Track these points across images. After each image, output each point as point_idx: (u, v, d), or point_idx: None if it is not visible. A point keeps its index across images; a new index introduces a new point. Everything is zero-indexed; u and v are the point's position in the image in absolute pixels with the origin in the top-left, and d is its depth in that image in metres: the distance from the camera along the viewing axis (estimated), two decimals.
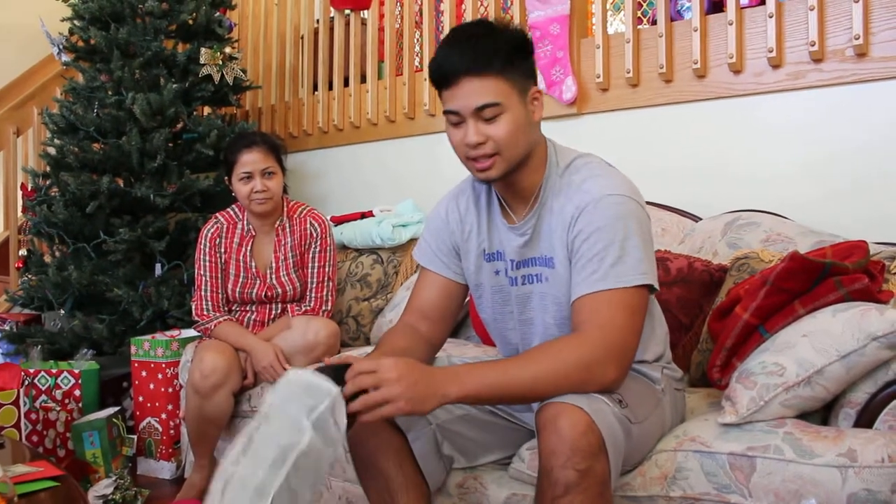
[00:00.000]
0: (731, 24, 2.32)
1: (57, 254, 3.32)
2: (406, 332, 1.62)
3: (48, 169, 3.27)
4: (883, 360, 1.42)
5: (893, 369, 1.42)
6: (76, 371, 2.79)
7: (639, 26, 2.59)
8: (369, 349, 2.29)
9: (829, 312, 1.49)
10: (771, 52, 2.25)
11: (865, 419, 1.44)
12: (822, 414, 1.52)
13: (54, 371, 2.78)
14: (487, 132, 1.40)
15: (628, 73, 2.54)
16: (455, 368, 1.39)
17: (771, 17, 2.24)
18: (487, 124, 1.40)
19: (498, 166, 1.44)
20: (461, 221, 1.63)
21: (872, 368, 1.43)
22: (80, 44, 3.32)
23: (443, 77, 1.41)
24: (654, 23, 2.58)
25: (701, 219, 2.34)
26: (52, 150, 3.26)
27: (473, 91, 1.38)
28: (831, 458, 1.31)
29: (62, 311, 3.19)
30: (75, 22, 3.29)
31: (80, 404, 2.76)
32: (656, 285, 1.44)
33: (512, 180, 1.49)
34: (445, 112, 1.44)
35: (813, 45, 2.17)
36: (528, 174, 1.50)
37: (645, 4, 3.18)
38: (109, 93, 3.17)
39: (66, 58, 3.38)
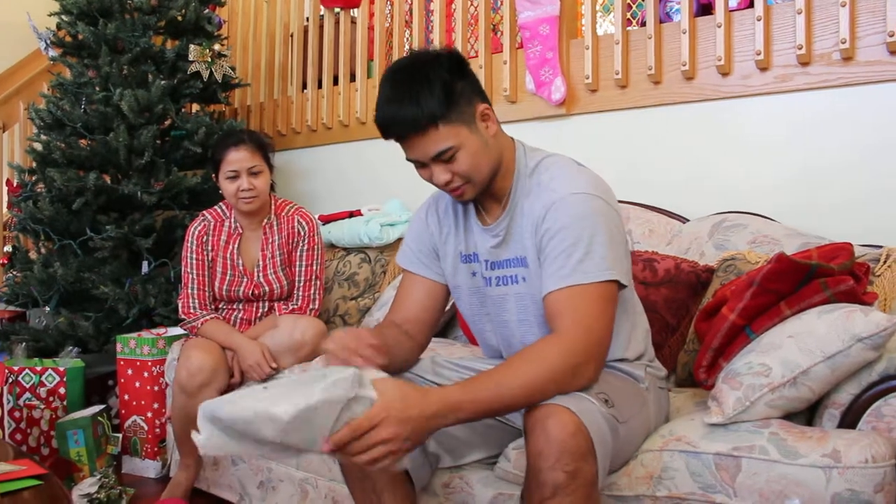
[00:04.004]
0: (719, 27, 2.33)
1: (42, 250, 3.30)
2: (391, 328, 1.62)
3: (34, 165, 3.25)
4: (867, 362, 1.43)
5: (877, 370, 1.44)
6: (61, 369, 2.78)
7: (628, 28, 2.60)
8: None
9: (814, 314, 1.50)
10: (759, 54, 2.26)
11: (849, 420, 1.45)
12: (806, 414, 1.53)
13: (39, 368, 2.76)
14: (451, 169, 1.46)
15: (617, 74, 2.55)
16: (445, 395, 1.33)
17: (759, 20, 2.26)
18: (448, 164, 1.45)
19: (470, 191, 1.50)
20: (440, 223, 1.66)
21: (857, 370, 1.44)
22: (68, 39, 3.30)
23: (390, 137, 1.46)
24: (643, 24, 2.59)
25: (688, 220, 2.35)
26: (38, 146, 3.23)
27: (423, 145, 1.43)
28: (816, 459, 1.32)
29: (47, 309, 3.17)
30: (63, 17, 3.27)
31: (65, 402, 2.74)
32: (624, 281, 1.45)
33: (488, 188, 1.53)
34: (407, 159, 1.49)
35: (800, 49, 2.19)
36: (498, 180, 1.54)
37: (634, 6, 3.19)
38: (97, 89, 3.15)
39: (53, 53, 3.36)
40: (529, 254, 1.51)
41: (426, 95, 1.39)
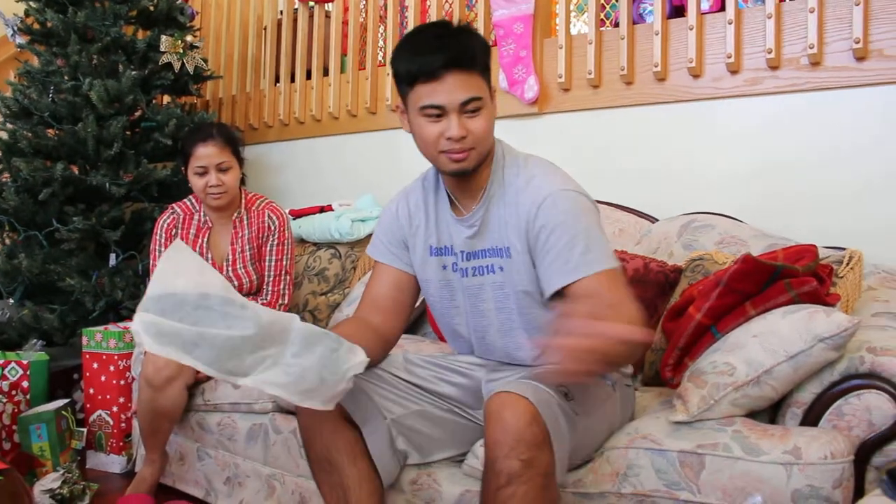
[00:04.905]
0: (691, 29, 2.35)
1: (7, 241, 3.24)
2: (357, 324, 1.62)
3: (0, 154, 3.19)
4: (829, 361, 1.45)
5: (838, 370, 1.46)
6: (24, 362, 2.73)
7: (601, 28, 2.62)
8: None
9: (778, 314, 1.52)
10: (729, 57, 2.29)
11: (811, 418, 1.47)
12: (770, 413, 1.56)
13: (1, 362, 2.71)
14: (468, 126, 1.45)
15: (590, 73, 2.56)
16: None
17: (730, 23, 2.28)
18: (469, 119, 1.45)
19: (472, 158, 1.49)
20: (410, 217, 1.67)
21: (819, 369, 1.46)
22: (36, 26, 3.24)
23: (424, 71, 1.42)
24: (616, 25, 2.60)
25: (658, 220, 2.37)
26: (4, 135, 3.18)
27: (460, 85, 1.42)
28: (777, 456, 1.34)
29: (11, 301, 3.12)
30: (31, 3, 3.21)
31: (28, 396, 2.70)
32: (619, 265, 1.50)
33: (470, 174, 1.53)
34: (424, 107, 1.44)
35: (770, 53, 2.21)
36: (483, 168, 1.55)
37: (608, 6, 3.21)
38: (66, 78, 3.11)
39: (20, 40, 3.30)
40: (514, 245, 1.52)
41: (473, 42, 1.45)
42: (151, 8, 3.26)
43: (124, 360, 2.67)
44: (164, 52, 3.19)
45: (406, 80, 1.46)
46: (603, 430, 1.53)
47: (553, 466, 1.30)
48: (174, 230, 2.55)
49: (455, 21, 2.88)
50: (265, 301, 2.53)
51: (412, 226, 1.66)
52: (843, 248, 1.89)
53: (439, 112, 1.44)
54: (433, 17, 2.98)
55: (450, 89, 1.42)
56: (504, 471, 1.26)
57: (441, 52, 1.41)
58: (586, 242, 1.44)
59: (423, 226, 1.64)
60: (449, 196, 1.61)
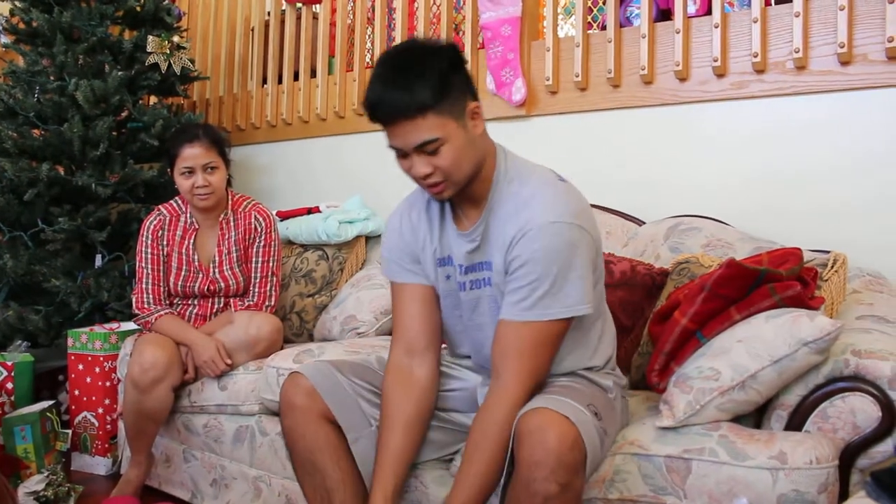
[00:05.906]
0: (678, 33, 2.36)
1: None
2: (404, 389, 1.58)
3: None
4: (813, 365, 1.46)
5: (823, 373, 1.47)
6: (9, 363, 2.72)
7: (588, 31, 2.62)
8: (313, 345, 2.28)
9: (762, 318, 1.53)
10: (716, 61, 2.30)
11: (797, 421, 1.48)
12: (755, 416, 1.57)
13: None
14: (433, 162, 1.42)
15: (577, 76, 2.57)
16: None
17: (716, 27, 2.29)
18: (431, 156, 1.41)
19: (449, 188, 1.46)
20: (413, 230, 1.63)
21: (804, 372, 1.48)
22: (22, 26, 3.21)
23: (376, 118, 1.42)
24: (603, 28, 2.61)
25: (644, 223, 2.38)
26: None
27: (409, 132, 1.39)
28: (763, 461, 1.35)
29: None
30: (16, 3, 3.19)
31: (13, 397, 2.68)
32: (588, 311, 1.46)
33: (464, 191, 1.50)
34: (389, 145, 1.45)
35: (756, 57, 2.23)
36: (478, 183, 1.51)
37: (595, 10, 3.22)
38: (51, 78, 3.08)
39: (5, 39, 3.28)
40: (495, 261, 1.50)
41: (420, 82, 1.36)
42: (138, 8, 3.24)
43: (110, 362, 2.66)
44: (150, 53, 3.17)
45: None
46: (610, 445, 1.53)
47: (583, 487, 1.32)
48: (160, 232, 2.54)
49: (440, 30, 2.89)
50: (252, 302, 2.52)
51: (418, 239, 1.62)
52: (828, 252, 1.91)
53: (403, 152, 1.44)
54: (421, 19, 2.99)
55: (401, 135, 1.40)
56: (541, 493, 1.26)
57: (386, 102, 1.39)
58: (551, 285, 1.41)
59: (429, 238, 1.60)
60: (452, 208, 1.58)
